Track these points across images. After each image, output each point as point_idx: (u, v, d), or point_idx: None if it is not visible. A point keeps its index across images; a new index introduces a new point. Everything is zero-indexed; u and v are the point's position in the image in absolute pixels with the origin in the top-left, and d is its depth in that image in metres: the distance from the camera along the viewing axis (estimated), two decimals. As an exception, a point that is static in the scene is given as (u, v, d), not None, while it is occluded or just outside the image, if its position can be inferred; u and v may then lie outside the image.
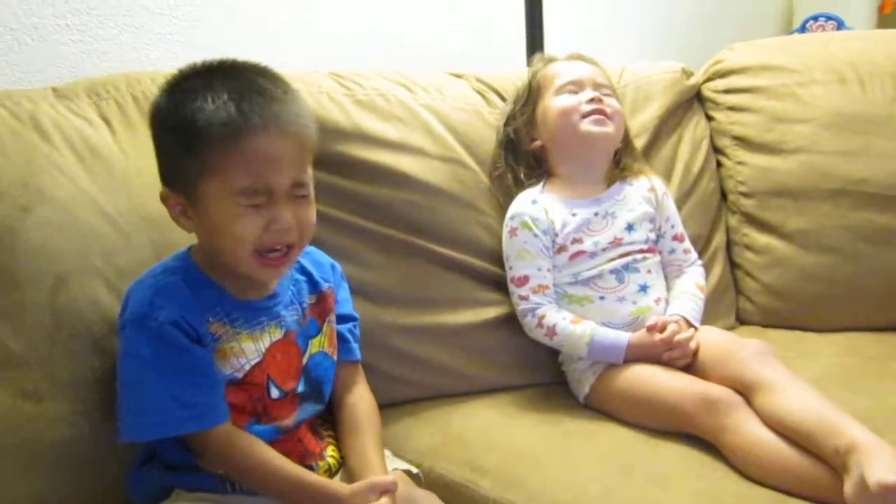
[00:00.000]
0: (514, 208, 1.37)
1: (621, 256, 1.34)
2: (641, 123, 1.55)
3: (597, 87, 1.38)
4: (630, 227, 1.36)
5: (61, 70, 1.38)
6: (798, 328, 1.50)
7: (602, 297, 1.32)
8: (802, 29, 2.45)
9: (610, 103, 1.37)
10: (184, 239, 1.04)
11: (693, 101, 1.66)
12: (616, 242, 1.34)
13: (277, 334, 1.02)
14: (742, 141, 1.60)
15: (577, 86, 1.37)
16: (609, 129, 1.36)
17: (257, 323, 1.01)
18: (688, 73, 1.66)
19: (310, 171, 0.99)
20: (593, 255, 1.34)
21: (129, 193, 1.11)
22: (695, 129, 1.63)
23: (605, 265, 1.33)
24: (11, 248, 1.01)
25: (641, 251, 1.36)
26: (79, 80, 1.23)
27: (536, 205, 1.35)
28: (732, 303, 1.58)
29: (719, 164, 1.63)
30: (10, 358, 0.98)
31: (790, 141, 1.54)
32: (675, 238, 1.41)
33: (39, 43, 1.35)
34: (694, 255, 1.43)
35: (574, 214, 1.35)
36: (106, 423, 1.02)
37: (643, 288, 1.33)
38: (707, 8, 2.38)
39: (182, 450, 0.99)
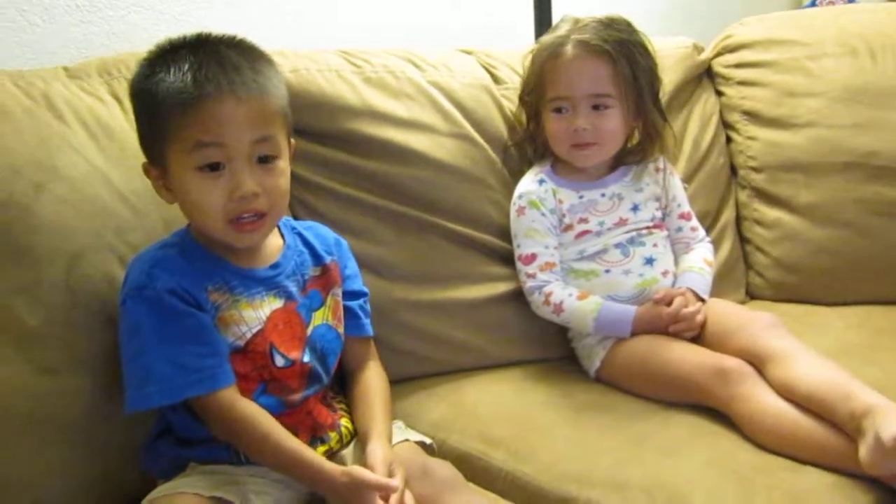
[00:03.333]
0: (521, 187, 1.37)
1: (626, 233, 1.35)
2: (651, 99, 1.54)
3: (592, 98, 1.29)
4: (636, 208, 1.37)
5: (71, 51, 1.38)
6: (809, 302, 1.51)
7: (608, 271, 1.33)
8: (812, 5, 2.43)
9: (600, 124, 1.30)
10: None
11: (703, 76, 1.66)
12: (621, 223, 1.35)
13: (277, 303, 1.03)
14: (752, 116, 1.60)
15: (568, 102, 1.30)
16: (594, 156, 1.34)
17: (256, 291, 1.02)
18: (698, 49, 1.66)
19: (279, 140, 1.00)
20: (599, 234, 1.34)
21: (140, 171, 1.11)
22: (704, 105, 1.63)
23: (610, 241, 1.34)
24: (27, 226, 1.01)
25: (647, 227, 1.36)
26: (90, 59, 1.23)
27: (544, 185, 1.36)
28: (742, 278, 1.59)
29: (729, 140, 1.63)
30: (28, 333, 0.99)
31: (801, 115, 1.54)
32: (681, 217, 1.41)
33: (50, 24, 1.35)
34: (702, 232, 1.43)
35: (581, 196, 1.36)
36: (121, 397, 1.02)
37: (649, 261, 1.34)
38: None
39: (196, 423, 1.00)
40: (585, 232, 1.34)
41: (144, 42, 1.44)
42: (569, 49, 1.30)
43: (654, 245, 1.36)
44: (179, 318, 0.95)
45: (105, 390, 1.03)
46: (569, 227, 1.35)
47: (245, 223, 0.98)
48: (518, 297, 1.37)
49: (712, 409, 1.13)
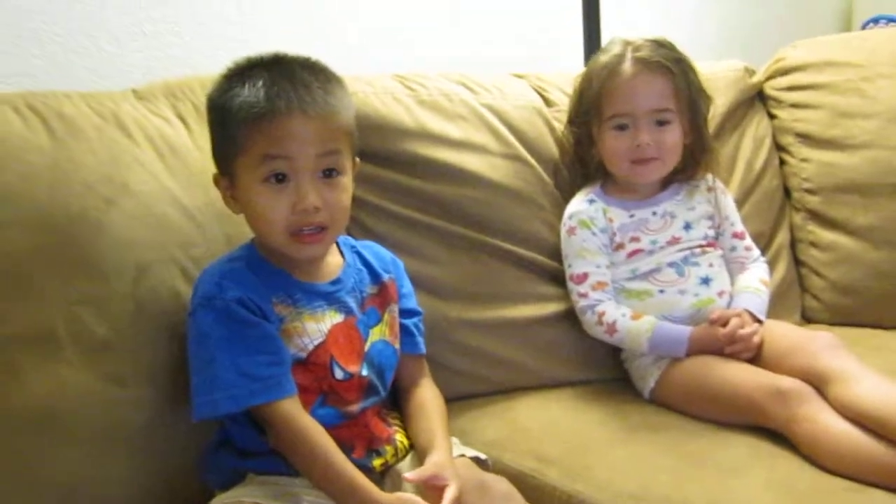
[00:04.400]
0: (571, 207, 1.38)
1: (680, 251, 1.35)
2: (703, 121, 1.54)
3: (654, 114, 1.31)
4: (688, 226, 1.36)
5: (135, 75, 1.43)
6: (866, 325, 1.48)
7: (662, 291, 1.32)
8: (866, 27, 2.41)
9: (662, 139, 1.31)
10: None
11: (755, 99, 1.66)
12: (674, 241, 1.35)
13: (338, 317, 1.05)
14: (806, 138, 1.59)
15: (629, 118, 1.31)
16: (654, 171, 1.34)
17: (318, 305, 1.04)
18: (750, 72, 1.66)
19: (343, 157, 1.02)
20: (651, 252, 1.34)
21: (205, 188, 1.14)
22: (757, 127, 1.63)
23: (664, 259, 1.34)
24: (97, 239, 1.05)
25: (701, 246, 1.36)
26: (156, 82, 1.28)
27: (594, 204, 1.36)
28: (797, 301, 1.57)
29: (782, 162, 1.63)
30: (97, 343, 1.03)
31: (856, 136, 1.53)
32: (735, 236, 1.40)
33: (117, 49, 1.41)
34: (756, 251, 1.42)
35: (632, 215, 1.36)
36: (185, 407, 1.05)
37: (705, 280, 1.33)
38: (761, 14, 2.36)
39: (255, 435, 1.01)
40: (637, 251, 1.34)
41: (205, 66, 1.50)
42: (628, 66, 1.31)
43: (710, 265, 1.35)
44: (247, 328, 0.97)
45: (169, 400, 1.06)
46: (620, 246, 1.35)
47: (306, 236, 1.00)
48: (570, 317, 1.37)
49: (770, 430, 1.12)
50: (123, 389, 1.04)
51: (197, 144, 1.19)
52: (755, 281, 1.35)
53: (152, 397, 1.05)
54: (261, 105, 0.97)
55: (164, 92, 1.25)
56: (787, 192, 1.62)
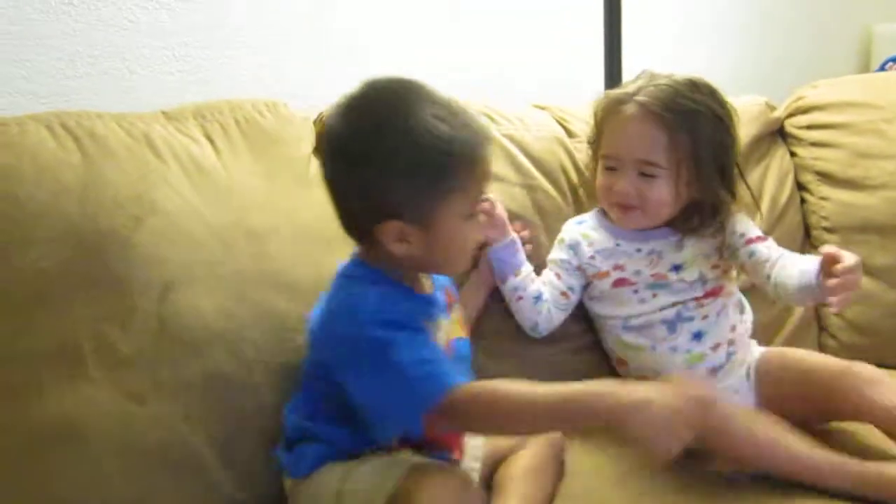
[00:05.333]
0: (565, 224, 1.40)
1: (673, 305, 1.28)
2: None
3: (639, 164, 1.24)
4: (677, 268, 1.30)
5: (166, 97, 1.45)
6: (883, 365, 1.46)
7: (654, 347, 1.29)
8: (882, 70, 2.42)
9: (645, 191, 1.24)
10: (278, 250, 1.12)
11: (776, 134, 1.67)
12: (658, 277, 1.30)
13: (445, 323, 1.07)
14: (825, 176, 1.60)
15: (616, 162, 1.27)
16: (635, 220, 1.29)
17: (439, 315, 1.06)
18: (771, 107, 1.67)
19: None
20: (635, 286, 1.30)
21: (230, 208, 1.16)
22: (781, 162, 1.63)
23: (656, 314, 1.29)
24: (125, 255, 1.07)
25: (696, 299, 1.29)
26: (186, 104, 1.30)
27: (582, 225, 1.37)
28: (815, 339, 1.56)
29: (802, 200, 1.63)
30: (119, 359, 1.03)
31: (875, 177, 1.54)
32: (748, 242, 1.29)
33: (148, 71, 1.44)
34: (783, 249, 1.30)
35: (617, 244, 1.33)
36: (203, 427, 1.06)
37: (696, 335, 1.28)
38: (778, 52, 2.37)
39: (345, 434, 1.01)
40: (623, 280, 1.31)
41: (231, 91, 1.52)
42: (628, 108, 1.25)
43: (704, 318, 1.29)
44: (417, 334, 0.96)
45: (187, 420, 1.06)
46: (604, 274, 1.32)
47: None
48: (591, 351, 1.38)
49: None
50: (142, 407, 1.04)
51: (224, 165, 1.21)
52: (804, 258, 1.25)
53: (172, 416, 1.05)
54: (478, 142, 0.97)
55: (194, 113, 1.27)
56: (806, 230, 1.62)
